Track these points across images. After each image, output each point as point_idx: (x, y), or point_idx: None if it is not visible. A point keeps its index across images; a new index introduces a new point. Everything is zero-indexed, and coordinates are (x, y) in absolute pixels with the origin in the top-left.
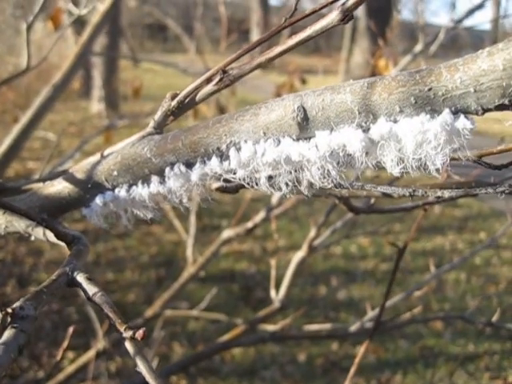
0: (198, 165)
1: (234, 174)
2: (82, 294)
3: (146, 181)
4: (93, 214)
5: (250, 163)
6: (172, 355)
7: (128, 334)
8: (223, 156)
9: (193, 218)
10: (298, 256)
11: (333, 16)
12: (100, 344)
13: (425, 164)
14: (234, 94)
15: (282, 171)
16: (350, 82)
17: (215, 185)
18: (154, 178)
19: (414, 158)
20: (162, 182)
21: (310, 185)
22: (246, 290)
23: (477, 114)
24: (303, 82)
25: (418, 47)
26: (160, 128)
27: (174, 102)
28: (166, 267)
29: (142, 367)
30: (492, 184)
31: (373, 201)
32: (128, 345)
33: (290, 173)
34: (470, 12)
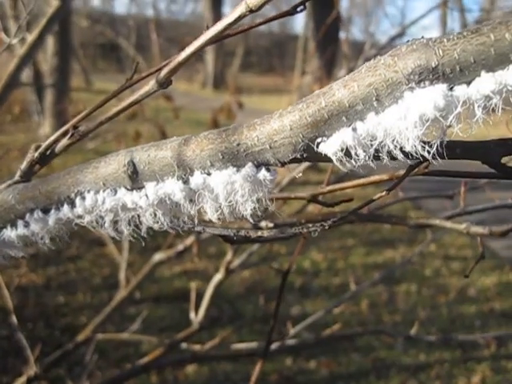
0: (53, 211)
1: (84, 219)
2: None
3: (14, 224)
4: None
5: (94, 210)
6: None
7: None
8: (73, 203)
9: (126, 243)
10: (215, 279)
11: (151, 84)
12: (31, 370)
13: (238, 210)
14: (177, 117)
15: (122, 216)
16: (172, 139)
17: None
18: (20, 222)
19: (226, 206)
20: (27, 225)
21: (149, 228)
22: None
23: (277, 166)
24: (240, 106)
25: (342, 72)
26: (27, 177)
27: (37, 154)
28: (119, 289)
29: None
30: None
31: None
32: None
33: (130, 217)
34: (391, 39)
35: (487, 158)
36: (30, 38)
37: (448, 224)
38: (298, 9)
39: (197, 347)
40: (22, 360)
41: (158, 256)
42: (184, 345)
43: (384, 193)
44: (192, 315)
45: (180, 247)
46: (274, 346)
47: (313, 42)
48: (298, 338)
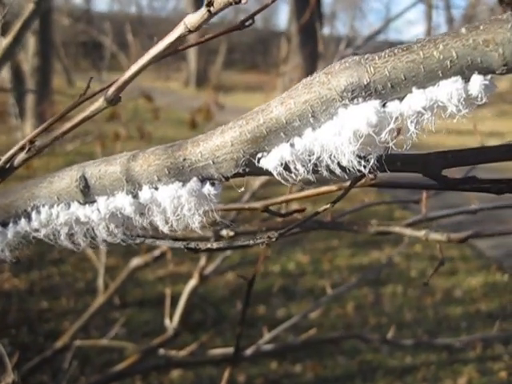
0: (11, 224)
1: (40, 232)
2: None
3: None
4: None
5: (49, 223)
6: None
7: None
8: (29, 217)
9: (103, 248)
10: (190, 285)
11: (100, 102)
12: (9, 377)
13: (187, 222)
14: (157, 118)
15: (77, 229)
16: (122, 155)
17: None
18: None
19: (175, 219)
20: None
21: (104, 240)
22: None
23: (221, 180)
24: (219, 106)
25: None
26: None
27: None
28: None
29: None
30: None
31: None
32: None
33: (85, 230)
34: (368, 39)
35: (428, 171)
36: (5, 41)
37: (408, 231)
38: (247, 23)
39: (173, 353)
40: (2, 368)
41: (136, 261)
42: (162, 350)
43: (329, 205)
44: (167, 321)
45: (156, 252)
46: (249, 350)
47: (293, 40)
48: (276, 342)
